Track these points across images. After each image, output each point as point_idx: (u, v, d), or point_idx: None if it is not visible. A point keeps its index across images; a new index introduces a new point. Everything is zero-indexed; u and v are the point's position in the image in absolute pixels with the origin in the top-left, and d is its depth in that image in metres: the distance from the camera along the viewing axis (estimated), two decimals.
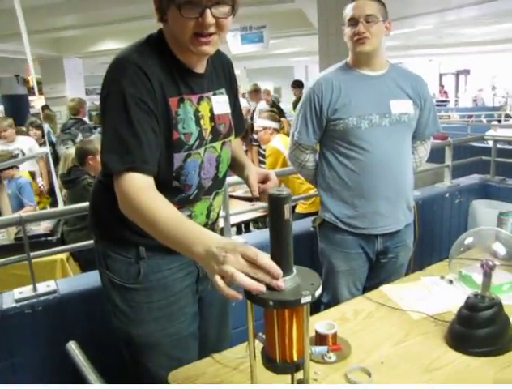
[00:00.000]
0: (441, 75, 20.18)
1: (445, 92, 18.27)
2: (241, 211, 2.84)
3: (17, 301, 1.63)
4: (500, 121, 11.18)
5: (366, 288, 1.84)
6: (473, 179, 3.26)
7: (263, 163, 3.89)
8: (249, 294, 0.77)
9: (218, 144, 1.24)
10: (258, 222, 3.78)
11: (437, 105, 16.35)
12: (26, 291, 1.68)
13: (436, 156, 3.01)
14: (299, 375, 0.94)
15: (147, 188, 1.03)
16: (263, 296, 0.75)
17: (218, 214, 1.36)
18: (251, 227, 4.45)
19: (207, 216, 1.28)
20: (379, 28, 1.66)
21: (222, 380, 1.08)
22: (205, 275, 1.28)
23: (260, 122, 3.49)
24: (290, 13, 6.67)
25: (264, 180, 1.34)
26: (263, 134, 3.40)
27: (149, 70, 1.06)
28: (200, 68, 1.18)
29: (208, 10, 1.01)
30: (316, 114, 1.74)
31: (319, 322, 1.22)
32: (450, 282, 1.52)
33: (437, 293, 1.48)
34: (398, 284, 1.58)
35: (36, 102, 12.68)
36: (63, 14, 5.63)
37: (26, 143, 4.31)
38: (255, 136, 3.96)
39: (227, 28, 1.08)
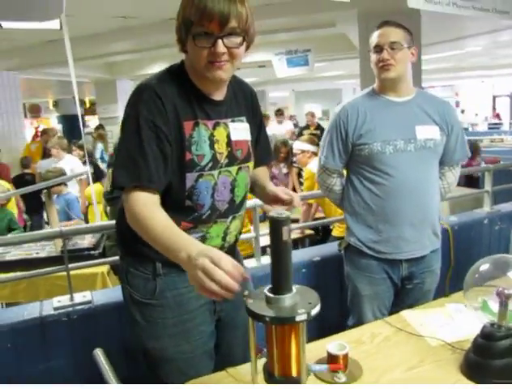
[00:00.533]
0: (494, 97, 19.52)
1: (498, 115, 17.64)
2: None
3: (55, 308, 1.76)
4: None
5: (392, 313, 1.83)
6: None
7: (303, 184, 3.95)
8: (248, 310, 0.83)
9: (234, 169, 1.30)
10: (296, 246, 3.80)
11: (490, 128, 15.83)
12: (63, 300, 1.81)
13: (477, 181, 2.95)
14: None
15: (151, 205, 1.13)
16: (261, 312, 0.80)
17: (237, 237, 1.41)
18: None
19: (223, 239, 1.34)
20: (404, 55, 1.70)
21: None
22: None
23: (298, 145, 3.56)
24: (334, 37, 6.74)
25: (287, 202, 1.33)
26: (302, 157, 3.47)
27: (165, 95, 1.16)
28: (218, 95, 1.27)
29: (220, 41, 1.10)
30: (342, 139, 1.78)
31: (332, 343, 1.24)
32: (476, 309, 1.50)
33: (459, 321, 1.46)
34: (419, 310, 1.57)
35: (91, 122, 13.38)
36: (117, 41, 6.03)
37: (70, 163, 4.60)
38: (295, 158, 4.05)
39: (239, 57, 1.16)
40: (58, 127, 15.65)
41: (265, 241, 3.19)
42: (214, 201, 1.27)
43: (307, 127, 8.53)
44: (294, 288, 0.87)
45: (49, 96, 15.20)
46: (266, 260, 2.25)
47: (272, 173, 4.96)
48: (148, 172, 1.13)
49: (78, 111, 3.12)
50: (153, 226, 1.08)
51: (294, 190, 4.43)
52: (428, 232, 1.80)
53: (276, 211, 0.82)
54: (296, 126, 11.25)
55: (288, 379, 0.87)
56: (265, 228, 3.08)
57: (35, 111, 14.23)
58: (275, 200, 1.33)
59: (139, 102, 1.16)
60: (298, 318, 0.80)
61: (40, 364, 1.71)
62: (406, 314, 1.54)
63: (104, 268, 2.80)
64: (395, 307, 1.88)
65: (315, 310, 0.82)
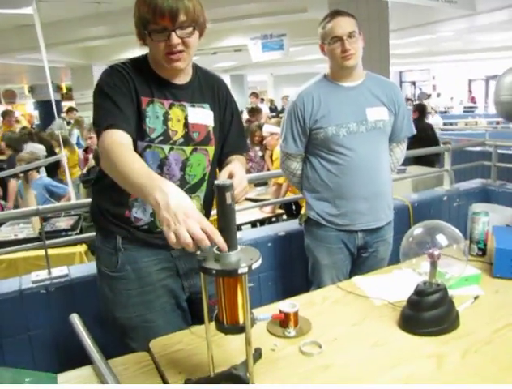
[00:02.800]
0: (470, 81, 19.88)
1: (473, 98, 18.00)
2: (238, 209, 3.02)
3: (34, 282, 1.88)
4: None
5: None
6: (474, 183, 3.36)
7: None
8: (199, 266, 0.96)
9: (188, 149, 1.43)
10: (264, 223, 3.94)
11: (465, 111, 16.16)
12: (42, 274, 1.93)
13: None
14: (255, 344, 1.13)
15: (125, 144, 1.21)
16: (209, 266, 0.94)
17: None
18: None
19: None
20: (359, 42, 1.82)
21: (193, 348, 1.26)
22: (187, 271, 1.49)
23: (267, 128, 3.68)
24: (308, 22, 6.84)
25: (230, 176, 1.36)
26: (270, 139, 3.60)
27: (126, 72, 1.32)
28: (177, 80, 1.40)
29: (173, 34, 1.25)
30: (300, 125, 1.91)
31: (284, 302, 1.39)
32: (420, 274, 1.66)
33: (403, 284, 1.62)
34: (369, 276, 1.73)
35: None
36: (92, 26, 6.03)
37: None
38: None
39: (193, 45, 1.31)
40: (35, 113, 15.47)
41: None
42: (162, 173, 1.38)
43: (283, 111, 8.63)
44: (239, 247, 1.00)
45: (25, 82, 14.96)
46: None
47: (248, 156, 5.09)
48: (122, 115, 1.27)
49: (52, 97, 3.17)
50: (127, 160, 1.12)
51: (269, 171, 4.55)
52: (382, 206, 1.96)
53: (221, 179, 0.94)
54: (274, 109, 11.35)
55: (235, 326, 1.01)
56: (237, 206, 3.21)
57: (10, 96, 14.02)
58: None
59: (102, 76, 1.33)
60: (240, 271, 0.93)
61: (20, 334, 1.82)
62: (356, 279, 1.70)
63: (82, 248, 2.90)
64: (352, 275, 2.03)
65: (256, 264, 0.95)
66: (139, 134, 1.34)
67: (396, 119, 1.95)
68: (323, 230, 1.96)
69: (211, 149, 1.49)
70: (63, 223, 3.13)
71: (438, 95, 18.92)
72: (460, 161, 3.67)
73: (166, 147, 1.39)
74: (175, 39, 1.25)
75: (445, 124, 12.06)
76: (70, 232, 2.91)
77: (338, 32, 1.79)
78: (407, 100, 19.35)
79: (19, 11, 2.17)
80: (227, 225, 0.96)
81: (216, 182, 0.94)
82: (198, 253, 1.00)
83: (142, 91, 1.35)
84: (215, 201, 0.96)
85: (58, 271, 1.94)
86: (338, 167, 1.87)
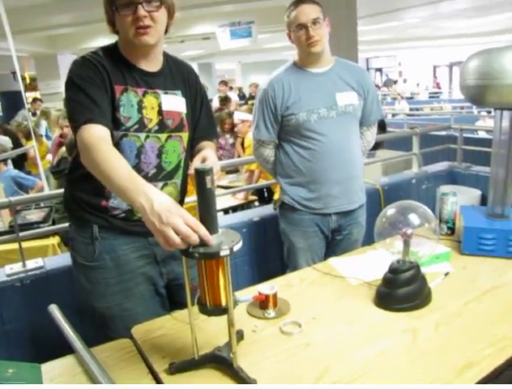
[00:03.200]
0: (434, 67, 20.32)
1: (438, 84, 18.43)
2: None
3: (8, 275, 1.84)
4: (490, 111, 11.36)
5: None
6: (441, 166, 3.46)
7: None
8: (182, 250, 0.97)
9: (163, 136, 1.43)
10: (236, 210, 3.97)
11: (430, 97, 16.54)
12: (16, 267, 1.90)
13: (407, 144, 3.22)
14: (236, 326, 1.15)
15: (105, 139, 1.22)
16: (191, 250, 0.95)
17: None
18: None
19: None
20: (324, 28, 1.85)
21: (175, 332, 1.28)
22: (164, 258, 1.49)
23: (238, 115, 3.68)
24: (276, 8, 6.83)
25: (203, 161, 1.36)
26: (242, 126, 3.61)
27: (97, 62, 1.31)
28: (150, 67, 1.40)
29: (140, 6, 1.26)
30: (272, 112, 1.93)
31: (263, 284, 1.42)
32: (393, 253, 1.72)
33: (378, 263, 1.67)
34: (344, 257, 1.78)
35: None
36: (57, 13, 5.85)
37: None
38: None
39: (160, 20, 1.31)
40: None
41: None
42: (140, 162, 1.39)
43: (251, 98, 8.65)
44: (220, 230, 1.01)
45: None
46: None
47: (219, 144, 5.08)
48: (99, 109, 1.26)
49: (21, 87, 3.08)
50: (109, 160, 1.13)
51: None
52: (355, 189, 2.00)
53: (201, 164, 0.95)
54: (242, 97, 11.33)
55: (218, 308, 1.03)
56: None
57: None
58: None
59: (74, 67, 1.31)
60: (222, 253, 0.94)
61: None
62: (332, 261, 1.74)
63: (55, 240, 2.86)
64: (327, 257, 2.08)
65: (237, 247, 0.97)
66: (114, 124, 1.33)
67: (366, 103, 1.99)
68: (298, 214, 1.99)
69: (185, 135, 1.50)
70: (34, 215, 3.06)
71: (404, 81, 19.27)
72: (427, 145, 3.77)
73: (142, 135, 1.38)
74: (141, 10, 1.26)
75: (411, 109, 12.32)
76: (42, 225, 2.86)
77: (302, 19, 1.82)
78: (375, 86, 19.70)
79: None
80: (208, 209, 0.97)
81: (196, 167, 0.95)
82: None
83: (116, 79, 1.33)
84: (195, 186, 0.97)
85: (33, 263, 1.91)
86: (310, 152, 1.91)
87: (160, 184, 1.45)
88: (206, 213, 0.97)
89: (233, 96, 10.02)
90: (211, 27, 7.85)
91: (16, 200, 1.91)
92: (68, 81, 1.31)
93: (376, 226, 1.46)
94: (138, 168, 1.39)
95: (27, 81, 14.03)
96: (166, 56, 1.48)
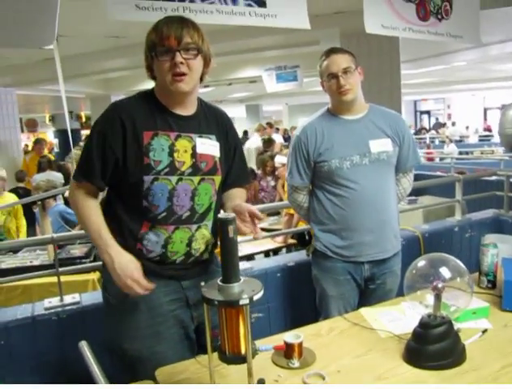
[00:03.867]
0: (485, 110, 19.85)
1: (488, 127, 17.93)
2: (246, 240, 3.04)
3: (46, 309, 1.91)
4: None
5: None
6: (486, 214, 3.33)
7: None
8: (202, 296, 0.99)
9: (196, 179, 1.46)
10: (277, 253, 3.96)
11: (481, 140, 16.08)
12: (54, 301, 1.97)
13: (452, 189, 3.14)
14: (259, 374, 1.14)
15: (88, 196, 1.44)
16: (211, 297, 0.97)
17: (208, 247, 1.53)
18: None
19: (188, 245, 1.47)
20: (356, 77, 1.88)
21: (198, 377, 1.28)
22: (196, 302, 1.51)
23: (279, 159, 3.73)
24: (321, 54, 7.01)
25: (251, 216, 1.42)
26: (282, 170, 3.66)
27: (126, 112, 1.40)
28: (184, 112, 1.46)
29: (178, 53, 1.34)
30: (304, 159, 1.95)
31: (289, 333, 1.40)
32: (426, 307, 1.66)
33: (410, 316, 1.62)
34: (376, 307, 1.73)
35: None
36: (110, 59, 6.27)
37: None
38: None
39: (196, 69, 1.40)
40: (55, 141, 15.88)
41: (246, 250, 3.36)
42: (172, 205, 1.43)
43: None
44: (242, 278, 1.03)
45: (46, 111, 15.44)
46: (243, 265, 2.42)
47: (260, 186, 5.14)
48: (93, 171, 1.41)
49: (68, 126, 3.29)
50: (86, 215, 1.42)
51: (281, 201, 4.60)
52: (389, 237, 1.96)
53: (224, 213, 0.98)
54: (288, 139, 11.50)
55: (237, 356, 1.03)
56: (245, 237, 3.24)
57: (31, 125, 14.45)
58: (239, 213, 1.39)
59: (101, 118, 1.43)
60: (242, 302, 0.96)
61: (32, 360, 1.85)
62: (363, 310, 1.70)
63: (95, 275, 2.94)
64: (360, 306, 2.02)
65: (257, 296, 0.98)
66: (144, 169, 1.39)
67: (401, 150, 1.97)
68: (330, 261, 1.97)
69: (218, 178, 1.53)
70: (77, 250, 3.19)
71: (453, 123, 18.89)
72: (473, 191, 3.66)
73: (174, 178, 1.42)
74: (179, 57, 1.34)
75: (460, 153, 12.01)
76: (83, 260, 2.97)
77: (333, 69, 1.85)
78: (422, 129, 19.43)
79: (42, 48, 2.30)
80: (229, 257, 0.99)
81: (219, 216, 0.98)
82: (202, 284, 1.04)
83: (145, 125, 1.40)
84: (219, 234, 1.00)
85: (70, 299, 1.98)
86: (342, 199, 1.90)
87: (195, 226, 1.47)
88: (227, 261, 0.99)
89: (278, 137, 10.18)
90: (257, 70, 8.10)
91: (58, 237, 2.01)
92: (92, 130, 1.45)
93: (406, 278, 1.42)
94: (170, 210, 1.43)
95: (83, 120, 14.94)
96: (200, 101, 1.54)
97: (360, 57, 4.46)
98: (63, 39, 4.98)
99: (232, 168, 1.60)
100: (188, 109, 1.48)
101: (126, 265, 1.36)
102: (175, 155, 1.42)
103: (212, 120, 1.54)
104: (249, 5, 2.02)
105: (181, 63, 1.35)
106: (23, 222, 4.46)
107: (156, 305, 1.45)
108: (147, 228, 1.43)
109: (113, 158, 1.40)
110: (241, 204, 1.41)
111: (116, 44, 5.49)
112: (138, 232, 1.43)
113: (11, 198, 4.57)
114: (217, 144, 1.53)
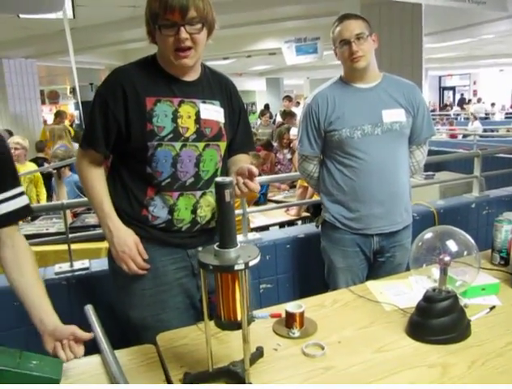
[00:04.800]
0: None
1: None
2: (257, 210, 3.06)
3: (56, 273, 1.95)
4: None
5: None
6: (505, 191, 3.24)
7: None
8: (198, 261, 0.98)
9: (201, 144, 1.44)
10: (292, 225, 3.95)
11: (507, 118, 15.60)
12: (64, 266, 2.00)
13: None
14: (258, 343, 1.14)
15: (93, 164, 1.45)
16: (207, 261, 0.96)
17: (214, 214, 1.51)
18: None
19: (193, 212, 1.46)
20: (369, 44, 1.81)
21: (198, 343, 1.28)
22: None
23: (294, 131, 3.68)
24: None
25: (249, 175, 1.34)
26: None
27: (127, 79, 1.38)
28: (187, 77, 1.43)
29: (182, 28, 1.29)
30: (315, 127, 1.91)
31: (291, 303, 1.39)
32: (435, 281, 1.63)
33: (417, 290, 1.59)
34: (383, 280, 1.71)
35: None
36: (128, 29, 6.21)
37: None
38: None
39: (201, 42, 1.35)
40: (76, 113, 16.02)
41: (259, 222, 3.36)
42: (176, 171, 1.41)
43: None
44: (239, 244, 1.01)
45: (67, 83, 15.53)
46: (253, 236, 2.41)
47: (277, 159, 5.11)
48: (95, 138, 1.41)
49: (79, 98, 3.29)
50: (90, 185, 1.44)
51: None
52: (399, 210, 1.92)
53: (220, 177, 0.96)
54: None
55: (233, 323, 1.02)
56: (255, 208, 3.23)
57: (53, 97, 14.61)
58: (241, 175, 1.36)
59: (102, 85, 1.42)
60: (237, 267, 0.94)
61: None
62: (370, 283, 1.68)
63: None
64: (369, 279, 2.01)
65: (253, 262, 0.96)
66: (147, 136, 1.37)
67: (415, 121, 1.91)
68: (338, 233, 1.95)
69: (223, 144, 1.51)
70: (93, 219, 3.23)
71: (479, 100, 18.35)
72: (495, 168, 3.56)
73: (177, 145, 1.41)
74: (184, 33, 1.29)
75: (485, 131, 11.69)
76: (97, 228, 3.00)
77: (345, 34, 1.80)
78: (446, 105, 18.92)
79: (53, 16, 2.28)
80: (226, 222, 0.98)
81: (216, 180, 0.96)
82: (200, 249, 1.03)
83: (148, 91, 1.38)
84: (215, 198, 0.98)
85: (80, 264, 2.01)
86: (352, 170, 1.86)
87: (199, 193, 1.46)
88: (223, 225, 0.98)
89: (299, 111, 10.04)
90: (277, 42, 7.95)
91: (68, 203, 2.03)
92: (95, 96, 1.43)
93: (412, 251, 1.39)
94: (174, 176, 1.42)
95: None
96: (204, 67, 1.50)
97: (381, 27, 4.38)
98: (81, 9, 4.97)
99: (237, 135, 1.57)
100: (191, 75, 1.44)
101: (124, 240, 1.40)
102: (178, 121, 1.40)
103: (216, 86, 1.51)
104: None
105: (186, 39, 1.31)
106: (43, 190, 4.53)
107: (161, 274, 1.45)
108: (153, 194, 1.43)
109: (116, 125, 1.39)
110: (242, 166, 1.36)
111: (133, 13, 5.43)
112: (143, 198, 1.43)
113: (32, 167, 4.64)
114: (221, 110, 1.50)
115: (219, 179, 0.96)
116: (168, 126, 1.39)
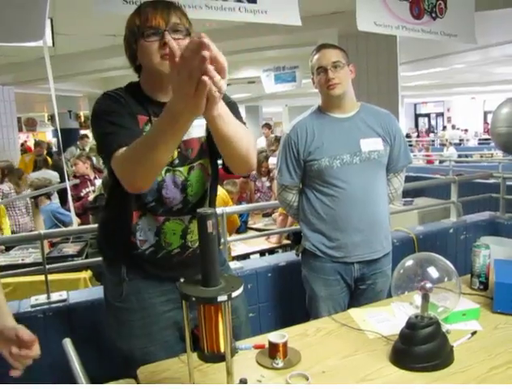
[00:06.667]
0: (485, 113, 19.82)
1: (489, 130, 17.90)
2: (239, 238, 3.05)
3: (32, 306, 1.89)
4: None
5: None
6: (482, 216, 3.31)
7: None
8: (180, 292, 0.96)
9: (185, 169, 1.38)
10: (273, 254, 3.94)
11: (480, 144, 16.07)
12: (41, 298, 1.95)
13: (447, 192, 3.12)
14: (242, 374, 1.12)
15: None
16: (189, 293, 0.94)
17: None
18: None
19: (183, 238, 1.41)
20: (345, 72, 1.85)
21: (180, 376, 1.25)
22: (192, 303, 1.45)
23: (272, 160, 3.71)
24: None
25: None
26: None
27: (119, 97, 1.32)
28: (167, 98, 1.38)
29: (166, 32, 1.27)
30: (295, 157, 1.92)
31: (273, 333, 1.37)
32: (417, 307, 1.63)
33: (399, 317, 1.59)
34: (365, 308, 1.70)
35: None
36: (108, 57, 6.26)
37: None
38: None
39: None
40: (53, 141, 15.86)
41: (240, 250, 3.35)
42: (161, 197, 1.36)
43: None
44: (224, 275, 1.00)
45: (45, 111, 15.44)
46: (234, 265, 2.39)
47: (256, 187, 5.12)
48: (128, 132, 1.23)
49: (58, 125, 3.26)
50: (139, 141, 1.09)
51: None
52: (379, 238, 1.94)
53: (203, 208, 0.96)
54: None
55: (216, 355, 1.00)
56: (237, 236, 3.22)
57: (31, 124, 14.46)
58: None
59: (97, 105, 1.33)
60: (220, 299, 0.93)
61: None
62: (352, 311, 1.67)
63: (87, 274, 2.92)
64: (350, 307, 2.00)
65: (236, 293, 0.95)
66: None
67: (392, 149, 1.95)
68: (319, 261, 1.94)
69: (207, 161, 1.44)
70: (70, 249, 3.16)
71: (453, 127, 18.89)
72: (471, 194, 3.63)
73: (162, 170, 1.34)
74: (168, 37, 1.25)
75: (460, 156, 12.00)
76: (75, 258, 2.94)
77: (322, 62, 1.84)
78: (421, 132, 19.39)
79: (33, 44, 2.28)
80: (208, 253, 0.97)
81: (198, 210, 0.96)
82: (181, 280, 1.01)
83: (138, 111, 1.33)
84: (197, 229, 0.97)
85: (57, 296, 1.96)
86: (332, 199, 1.87)
87: (187, 217, 1.41)
88: (206, 257, 0.97)
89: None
90: (256, 71, 8.09)
91: (46, 233, 1.99)
92: (94, 118, 1.32)
93: (394, 278, 1.40)
94: (160, 201, 1.36)
95: (82, 119, 14.95)
96: None
97: (358, 57, 4.48)
98: (60, 37, 4.98)
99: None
100: (170, 95, 1.42)
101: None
102: None
103: None
104: (239, 0, 2.00)
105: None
106: (6, 220, 4.41)
107: (148, 305, 1.42)
108: (138, 218, 1.38)
109: (136, 122, 1.31)
110: None
111: (113, 42, 5.47)
112: (130, 224, 1.38)
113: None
114: (203, 122, 1.38)
115: (200, 210, 0.96)
116: None
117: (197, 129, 1.41)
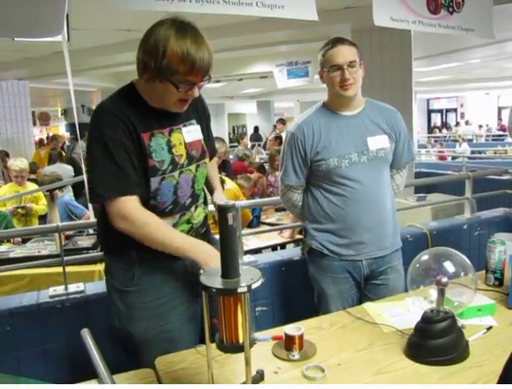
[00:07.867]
0: (500, 109, 19.57)
1: (502, 126, 17.68)
2: (251, 232, 3.07)
3: (51, 297, 1.93)
4: None
5: None
6: (496, 212, 3.29)
7: None
8: (201, 284, 0.98)
9: (193, 167, 1.49)
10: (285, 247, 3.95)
11: (494, 140, 15.88)
12: (59, 289, 1.98)
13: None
14: (258, 366, 1.14)
15: (141, 208, 1.35)
16: (209, 284, 0.96)
17: (204, 218, 1.59)
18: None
19: (189, 222, 1.52)
20: (359, 73, 1.80)
21: (197, 366, 1.27)
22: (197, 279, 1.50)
23: None
24: None
25: None
26: None
27: (121, 113, 1.33)
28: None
29: (196, 87, 1.34)
30: (301, 157, 1.87)
31: (289, 326, 1.39)
32: (431, 302, 1.63)
33: (414, 311, 1.60)
34: (380, 302, 1.71)
35: None
36: (122, 52, 6.29)
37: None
38: None
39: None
40: (66, 135, 16.02)
41: (252, 244, 3.36)
42: (177, 198, 1.44)
43: None
44: (242, 267, 1.02)
45: (59, 105, 15.58)
46: (248, 258, 2.41)
47: (268, 181, 5.13)
48: (129, 181, 1.33)
49: (76, 119, 3.29)
50: (163, 231, 1.35)
51: None
52: (386, 234, 1.91)
53: (224, 201, 0.98)
54: None
55: (234, 345, 1.02)
56: (250, 230, 3.24)
57: (44, 119, 14.60)
58: None
59: (101, 124, 1.33)
60: (240, 290, 0.95)
61: (36, 346, 1.87)
62: (367, 305, 1.68)
63: (101, 266, 2.95)
64: (363, 303, 2.00)
65: (255, 285, 0.97)
66: (150, 171, 1.37)
67: (397, 146, 1.92)
68: (327, 260, 1.91)
69: (207, 160, 1.58)
70: (85, 241, 3.20)
71: (466, 123, 18.69)
72: (485, 190, 3.61)
73: (176, 173, 1.43)
74: (196, 91, 1.35)
75: (473, 152, 11.88)
76: (90, 251, 2.98)
77: (338, 60, 1.75)
78: (435, 127, 19.22)
79: (49, 39, 2.31)
80: (228, 245, 0.98)
81: (219, 203, 0.97)
82: (201, 271, 1.03)
83: (141, 127, 1.36)
84: (218, 222, 0.99)
85: (75, 287, 2.00)
86: (341, 198, 1.84)
87: (193, 209, 1.52)
88: (226, 248, 0.98)
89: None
90: (268, 66, 8.07)
91: (63, 226, 2.02)
92: (98, 138, 1.32)
93: (409, 272, 1.40)
94: (175, 202, 1.45)
95: None
96: None
97: (371, 52, 4.46)
98: (75, 32, 5.02)
99: (208, 141, 1.61)
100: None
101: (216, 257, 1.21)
102: (173, 150, 1.42)
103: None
104: None
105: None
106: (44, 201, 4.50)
107: (161, 284, 1.45)
108: None
109: (136, 162, 1.35)
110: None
111: (127, 37, 5.50)
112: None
113: (32, 186, 4.62)
114: (198, 127, 1.54)
115: (221, 203, 0.98)
116: (167, 159, 1.40)
117: (196, 133, 1.52)
